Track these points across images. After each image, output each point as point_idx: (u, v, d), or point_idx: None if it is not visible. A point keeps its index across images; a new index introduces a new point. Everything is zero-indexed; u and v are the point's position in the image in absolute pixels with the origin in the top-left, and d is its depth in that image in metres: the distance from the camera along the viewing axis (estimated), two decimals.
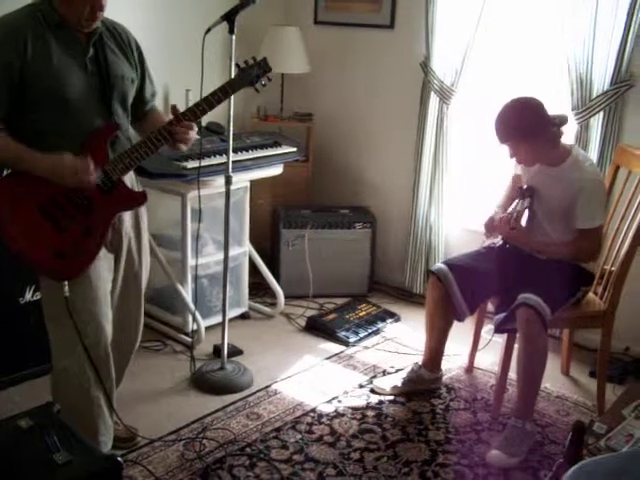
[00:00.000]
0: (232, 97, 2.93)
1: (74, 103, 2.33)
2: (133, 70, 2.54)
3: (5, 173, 2.42)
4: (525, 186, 3.09)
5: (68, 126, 2.34)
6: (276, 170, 3.97)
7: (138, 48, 2.58)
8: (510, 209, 3.06)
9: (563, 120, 2.99)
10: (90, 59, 2.37)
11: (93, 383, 2.49)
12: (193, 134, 2.55)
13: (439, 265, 3.20)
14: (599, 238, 3.02)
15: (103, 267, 2.49)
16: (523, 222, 3.08)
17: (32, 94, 2.27)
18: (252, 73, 2.67)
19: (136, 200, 2.56)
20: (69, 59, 2.32)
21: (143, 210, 2.71)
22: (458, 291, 3.08)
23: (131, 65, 2.53)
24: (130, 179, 2.60)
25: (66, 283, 2.34)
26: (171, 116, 2.54)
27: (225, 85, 2.61)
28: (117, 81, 2.44)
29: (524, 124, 2.89)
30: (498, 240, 3.19)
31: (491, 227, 3.12)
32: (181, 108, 4.18)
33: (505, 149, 2.97)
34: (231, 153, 3.16)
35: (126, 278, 2.67)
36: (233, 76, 2.73)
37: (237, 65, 2.70)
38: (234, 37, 2.94)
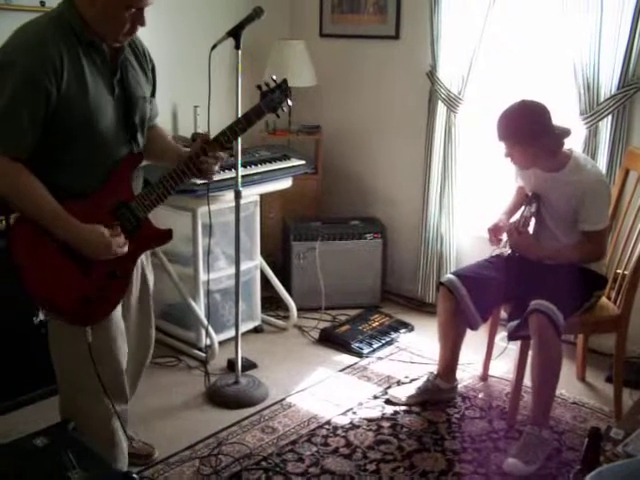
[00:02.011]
0: (239, 111, 2.94)
1: (104, 135, 2.17)
2: (149, 85, 2.39)
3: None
4: (530, 193, 3.10)
5: (93, 156, 2.18)
6: (285, 183, 3.99)
7: (152, 61, 2.42)
8: (517, 216, 3.06)
9: (565, 133, 3.00)
10: (117, 81, 2.21)
11: (112, 416, 2.39)
12: (219, 164, 2.44)
13: (449, 276, 3.20)
14: (605, 239, 3.03)
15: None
16: (531, 229, 3.09)
17: (61, 123, 2.08)
18: (275, 98, 2.50)
19: (162, 238, 2.43)
20: (100, 84, 2.14)
21: None
22: (470, 301, 3.07)
23: (147, 81, 2.38)
24: None
25: (89, 329, 2.21)
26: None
27: (249, 113, 2.47)
28: (138, 102, 2.29)
29: (523, 129, 2.90)
30: (506, 249, 3.19)
31: (495, 232, 3.13)
32: (190, 124, 4.21)
33: (502, 147, 2.99)
34: (240, 168, 3.17)
35: (141, 296, 2.62)
36: (242, 103, 2.59)
37: (258, 87, 2.54)
38: (240, 52, 2.96)
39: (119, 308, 2.37)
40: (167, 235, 2.41)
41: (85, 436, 2.32)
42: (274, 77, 2.56)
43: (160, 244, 2.50)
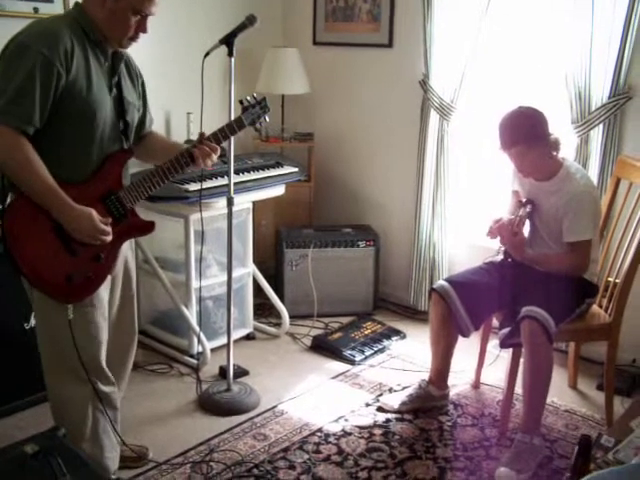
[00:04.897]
0: (232, 118, 2.97)
1: (100, 128, 2.32)
2: (138, 99, 2.55)
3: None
4: (524, 199, 3.12)
5: (88, 148, 2.32)
6: (278, 191, 3.99)
7: (141, 77, 2.59)
8: (512, 215, 3.06)
9: (557, 140, 3.02)
10: (115, 83, 2.38)
11: (92, 401, 2.48)
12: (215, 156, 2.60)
13: (441, 282, 3.20)
14: (588, 251, 2.99)
15: (104, 289, 2.48)
16: (526, 233, 3.10)
17: (64, 110, 2.22)
18: (254, 113, 2.76)
19: (145, 229, 2.56)
20: (101, 80, 2.31)
21: None
22: (461, 307, 3.08)
23: (137, 93, 2.54)
24: None
25: (70, 306, 2.33)
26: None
27: (232, 123, 2.70)
28: (129, 107, 2.46)
29: (525, 131, 2.91)
30: (499, 256, 3.19)
31: (497, 221, 3.13)
32: (183, 131, 4.22)
33: (505, 156, 2.99)
34: (232, 175, 3.17)
35: (124, 296, 2.67)
36: (235, 110, 2.75)
37: (240, 102, 2.76)
38: (233, 60, 2.97)
39: (105, 295, 2.48)
40: (150, 226, 2.56)
41: (67, 418, 2.43)
42: (255, 95, 2.81)
43: (143, 234, 2.64)
